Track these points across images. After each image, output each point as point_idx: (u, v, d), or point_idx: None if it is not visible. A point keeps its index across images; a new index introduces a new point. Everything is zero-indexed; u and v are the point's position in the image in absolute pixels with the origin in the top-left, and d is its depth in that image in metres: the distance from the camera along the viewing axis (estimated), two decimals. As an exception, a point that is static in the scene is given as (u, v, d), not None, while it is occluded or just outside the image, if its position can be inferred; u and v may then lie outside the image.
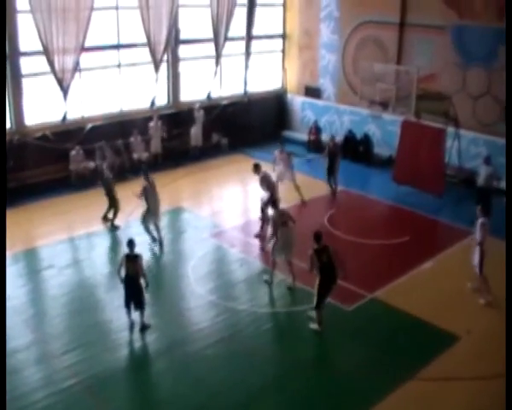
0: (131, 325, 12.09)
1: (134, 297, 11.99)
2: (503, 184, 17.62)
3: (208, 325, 12.32)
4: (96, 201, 18.53)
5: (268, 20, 25.92)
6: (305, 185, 20.13)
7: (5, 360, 9.67)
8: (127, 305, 12.08)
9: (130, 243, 12.02)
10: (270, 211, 15.06)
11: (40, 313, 12.81)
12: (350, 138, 23.40)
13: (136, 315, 12.13)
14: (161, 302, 13.24)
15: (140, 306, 12.03)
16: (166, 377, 10.83)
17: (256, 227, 17.12)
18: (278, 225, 13.66)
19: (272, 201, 14.74)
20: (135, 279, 11.92)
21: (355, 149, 23.03)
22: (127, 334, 11.99)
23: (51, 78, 19.11)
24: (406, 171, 19.54)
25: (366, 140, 23.16)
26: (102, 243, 16.11)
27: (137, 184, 19.78)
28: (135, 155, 21.22)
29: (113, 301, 13.13)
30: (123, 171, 20.51)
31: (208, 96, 24.06)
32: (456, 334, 12.00)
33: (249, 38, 24.75)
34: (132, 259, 11.92)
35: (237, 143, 23.84)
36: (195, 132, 22.95)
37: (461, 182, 20.00)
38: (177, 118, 22.85)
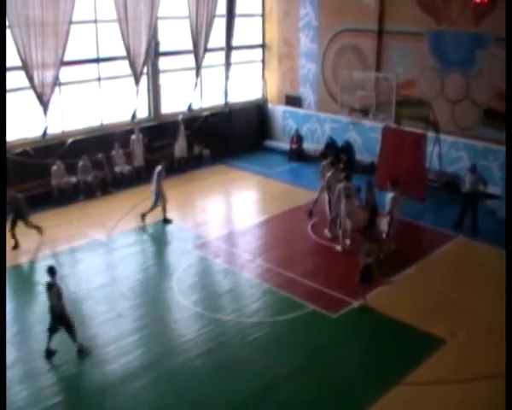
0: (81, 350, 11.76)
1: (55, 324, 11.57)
2: (489, 189, 17.90)
3: (194, 337, 12.28)
4: (77, 215, 18.51)
5: (247, 30, 26.00)
6: (288, 194, 20.25)
7: (5, 361, 9.59)
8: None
9: (49, 271, 11.62)
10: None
11: (24, 330, 12.70)
12: (331, 146, 23.47)
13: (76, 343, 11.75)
14: (146, 315, 13.17)
15: (50, 330, 11.60)
16: (153, 390, 10.76)
17: (239, 238, 17.27)
18: (342, 195, 15.80)
19: (346, 174, 16.39)
20: (53, 308, 11.53)
21: (336, 156, 23.06)
22: (113, 348, 11.91)
23: (31, 93, 19.05)
24: (388, 177, 19.57)
25: (347, 147, 23.23)
26: (86, 258, 16.01)
27: (120, 198, 19.96)
28: (116, 169, 21.18)
29: (99, 316, 13.10)
30: (105, 184, 20.47)
31: (189, 108, 24.07)
32: (442, 337, 12.06)
33: (229, 48, 24.82)
34: (49, 287, 11.53)
35: (219, 153, 23.86)
36: (180, 144, 23.00)
37: (442, 186, 20.16)
38: (158, 130, 22.82)
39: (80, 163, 20.05)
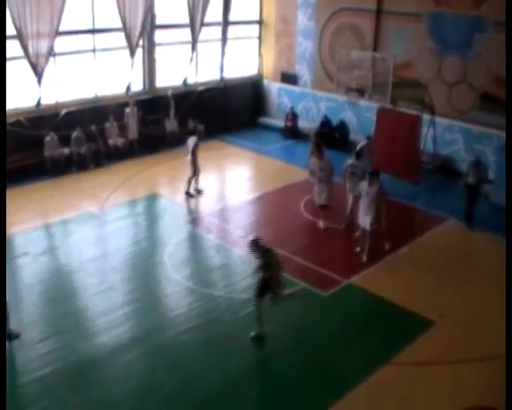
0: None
1: None
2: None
3: (185, 311, 12.31)
4: (70, 187, 18.45)
5: (244, 5, 25.77)
6: (282, 171, 20.23)
7: (5, 359, 9.56)
8: None
9: None
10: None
11: (14, 301, 12.55)
12: (326, 125, 23.44)
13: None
14: (138, 289, 13.18)
15: None
16: (143, 364, 10.81)
17: (231, 214, 17.30)
18: (348, 172, 15.77)
19: (357, 152, 16.32)
20: None
21: (331, 135, 23.06)
22: (103, 321, 11.91)
23: (25, 62, 18.86)
24: (382, 158, 19.60)
25: (342, 126, 23.21)
26: (78, 231, 15.97)
27: (113, 171, 19.90)
28: (110, 141, 21.07)
29: (89, 288, 13.09)
30: (99, 157, 20.38)
31: (184, 82, 23.92)
32: (431, 319, 12.12)
33: (226, 23, 24.61)
34: None
35: (214, 129, 23.75)
36: (170, 119, 22.94)
37: (436, 168, 20.18)
38: (153, 104, 22.70)
39: (74, 135, 19.94)
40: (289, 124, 24.66)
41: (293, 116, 24.73)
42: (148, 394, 10.07)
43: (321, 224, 16.04)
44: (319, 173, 15.87)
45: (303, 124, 24.54)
